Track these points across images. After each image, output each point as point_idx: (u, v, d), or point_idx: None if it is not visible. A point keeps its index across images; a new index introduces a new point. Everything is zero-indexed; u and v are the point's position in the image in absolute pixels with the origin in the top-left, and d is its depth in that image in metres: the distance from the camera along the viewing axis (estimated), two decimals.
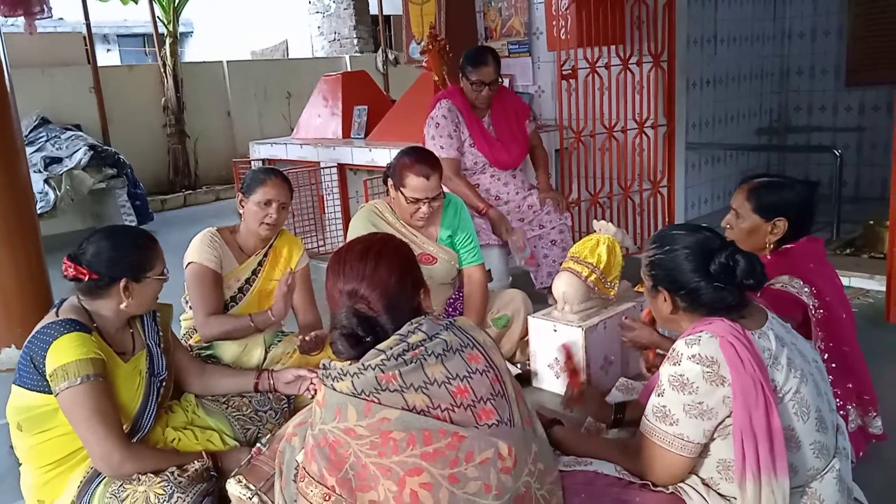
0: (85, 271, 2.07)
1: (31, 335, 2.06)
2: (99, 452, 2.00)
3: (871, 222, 4.86)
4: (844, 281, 2.73)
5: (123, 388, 2.13)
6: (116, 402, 2.08)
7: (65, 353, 1.97)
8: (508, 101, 4.25)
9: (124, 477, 2.02)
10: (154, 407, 2.21)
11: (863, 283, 4.26)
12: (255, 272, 2.89)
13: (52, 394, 1.99)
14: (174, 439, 2.28)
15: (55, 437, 2.06)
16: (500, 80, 4.04)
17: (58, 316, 2.08)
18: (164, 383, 2.28)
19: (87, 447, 2.02)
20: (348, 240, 2.35)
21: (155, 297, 2.24)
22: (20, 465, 2.17)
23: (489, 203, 3.91)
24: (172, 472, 2.04)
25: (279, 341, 2.84)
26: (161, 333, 2.32)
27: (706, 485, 1.77)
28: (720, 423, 1.70)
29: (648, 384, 2.20)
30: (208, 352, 2.77)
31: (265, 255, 2.92)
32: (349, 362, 1.56)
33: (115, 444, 2.00)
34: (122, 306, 2.13)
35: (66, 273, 2.08)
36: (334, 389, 1.48)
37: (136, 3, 9.44)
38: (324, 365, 1.55)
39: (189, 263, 2.78)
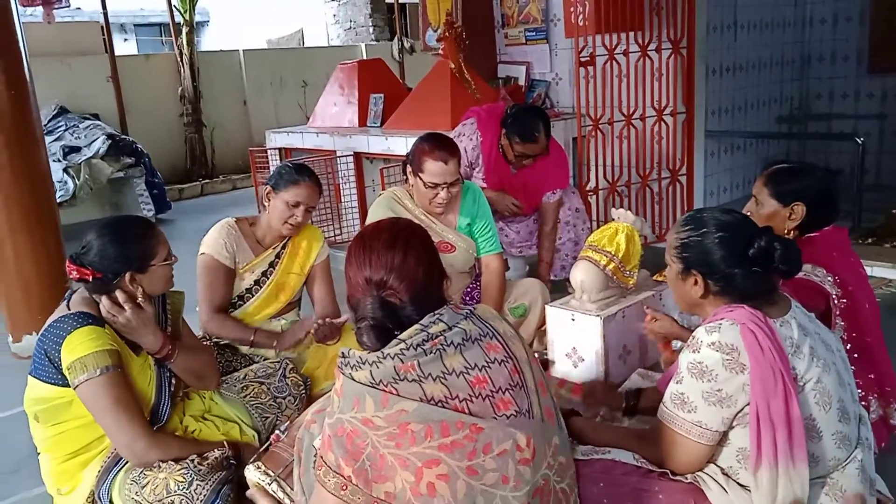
0: (88, 272, 2.05)
1: (44, 328, 2.05)
2: (123, 441, 2.01)
3: (894, 211, 4.80)
4: (866, 270, 2.70)
5: (138, 381, 2.13)
6: (135, 391, 2.08)
7: (80, 346, 1.97)
8: (553, 158, 3.76)
9: (148, 464, 2.03)
10: (168, 397, 2.21)
11: (885, 272, 4.21)
12: (272, 264, 2.85)
13: (67, 386, 1.99)
14: (195, 430, 2.28)
15: (71, 429, 2.07)
16: (548, 148, 3.66)
17: (69, 309, 2.07)
18: (173, 372, 2.27)
19: (111, 436, 2.03)
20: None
21: (166, 281, 2.21)
22: (38, 453, 2.18)
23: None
24: (193, 460, 2.06)
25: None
26: (170, 322, 2.30)
27: (725, 474, 1.76)
28: (739, 412, 1.68)
29: (667, 374, 2.18)
30: (224, 341, 2.79)
31: (283, 248, 2.88)
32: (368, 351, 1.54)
33: (139, 432, 2.01)
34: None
35: (70, 276, 2.07)
36: (352, 379, 1.47)
37: None
38: (343, 353, 1.53)
39: (202, 253, 2.77)
